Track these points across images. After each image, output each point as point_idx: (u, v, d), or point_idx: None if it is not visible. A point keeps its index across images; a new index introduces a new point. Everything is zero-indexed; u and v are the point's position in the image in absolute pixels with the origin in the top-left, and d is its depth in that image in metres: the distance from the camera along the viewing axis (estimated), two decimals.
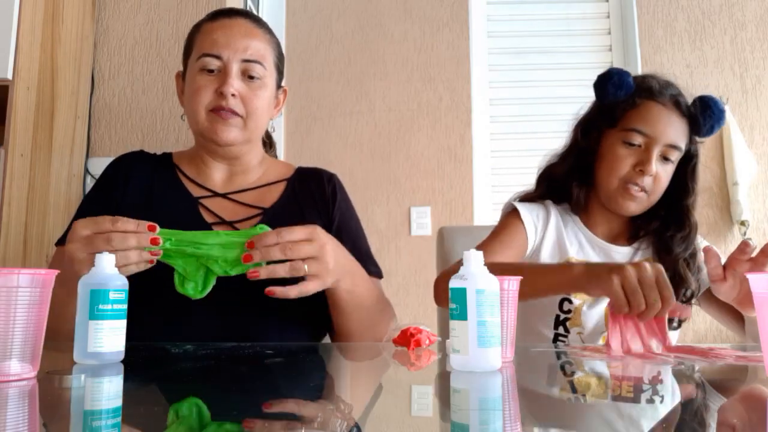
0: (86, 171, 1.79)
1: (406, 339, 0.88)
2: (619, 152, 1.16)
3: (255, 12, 2.37)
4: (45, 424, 0.47)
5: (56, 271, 0.63)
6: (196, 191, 1.13)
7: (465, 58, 2.54)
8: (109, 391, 0.61)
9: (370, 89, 2.53)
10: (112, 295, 0.71)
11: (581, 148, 1.23)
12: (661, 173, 1.15)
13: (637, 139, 1.15)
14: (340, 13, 2.58)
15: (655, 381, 0.69)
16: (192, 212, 1.10)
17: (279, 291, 0.88)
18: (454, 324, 0.68)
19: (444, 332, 1.15)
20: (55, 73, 1.66)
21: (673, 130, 1.15)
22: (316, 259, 0.88)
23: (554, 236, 1.22)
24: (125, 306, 0.74)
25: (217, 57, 1.07)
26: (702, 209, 2.40)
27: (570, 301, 1.17)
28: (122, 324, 0.73)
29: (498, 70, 2.60)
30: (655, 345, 0.86)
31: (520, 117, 2.50)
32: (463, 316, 0.67)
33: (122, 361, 0.72)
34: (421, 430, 0.49)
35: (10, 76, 1.47)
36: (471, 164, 2.48)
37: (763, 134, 2.42)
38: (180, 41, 1.87)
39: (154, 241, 0.84)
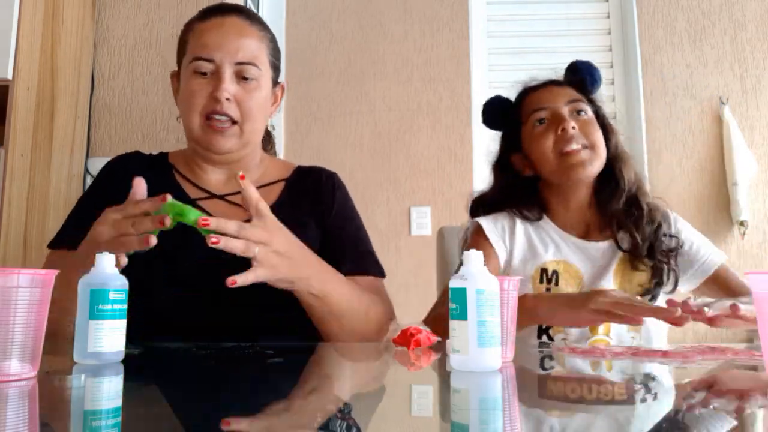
0: (86, 171, 1.79)
1: (406, 339, 0.88)
2: (537, 134, 1.20)
3: (255, 11, 2.37)
4: (45, 424, 0.47)
5: (56, 271, 0.63)
6: (192, 192, 1.11)
7: (465, 58, 2.54)
8: (109, 391, 0.60)
9: (370, 89, 2.53)
10: (112, 295, 0.71)
11: (508, 183, 1.28)
12: (582, 126, 1.18)
13: (543, 114, 1.20)
14: (340, 13, 2.58)
15: (649, 380, 0.69)
16: None
17: (239, 279, 0.86)
18: (454, 324, 0.68)
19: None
20: (55, 73, 1.66)
21: (563, 92, 1.22)
22: (265, 245, 0.87)
23: (524, 242, 1.22)
24: (125, 306, 0.74)
25: (209, 60, 1.04)
26: (701, 209, 2.40)
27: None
28: (122, 324, 0.73)
29: (498, 70, 2.60)
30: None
31: None
32: (463, 316, 0.67)
33: (122, 361, 0.72)
34: (421, 430, 0.49)
35: (10, 76, 1.47)
36: (471, 164, 2.48)
37: (763, 134, 2.42)
38: None
39: (162, 224, 0.84)
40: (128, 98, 1.83)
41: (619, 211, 1.20)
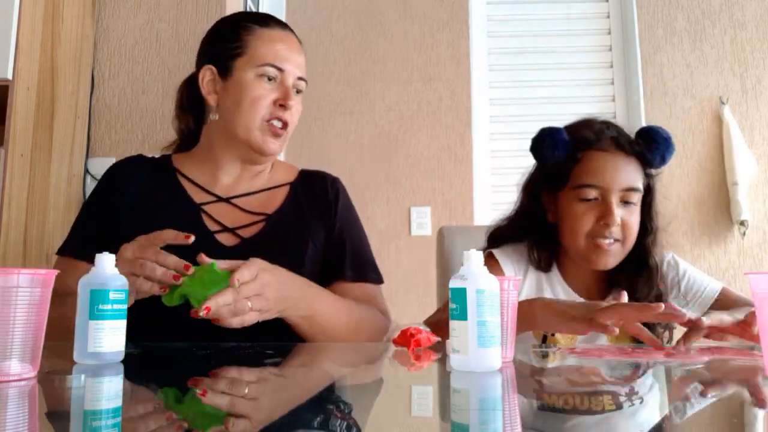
0: (86, 171, 1.79)
1: (406, 339, 0.88)
2: (578, 210, 1.12)
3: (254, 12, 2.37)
4: (45, 424, 0.47)
5: (56, 271, 0.63)
6: (198, 196, 1.12)
7: (465, 58, 2.54)
8: (109, 391, 0.61)
9: (370, 89, 2.53)
10: (112, 295, 0.71)
11: (529, 210, 1.20)
12: (626, 218, 1.11)
13: (592, 194, 1.11)
14: (340, 13, 2.58)
15: (649, 379, 0.69)
16: (194, 219, 1.09)
17: (235, 321, 0.87)
18: (454, 324, 0.68)
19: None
20: (55, 73, 1.66)
21: (624, 174, 1.11)
22: (258, 296, 0.89)
23: (534, 280, 1.19)
24: (125, 306, 0.74)
25: (280, 69, 1.10)
26: (701, 209, 2.40)
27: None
28: (122, 324, 0.73)
29: (498, 70, 2.60)
30: None
31: (520, 117, 2.50)
32: (463, 316, 0.67)
33: (122, 361, 0.72)
34: (421, 430, 0.49)
35: (10, 76, 1.47)
36: (471, 164, 2.48)
37: (763, 134, 2.42)
38: (180, 41, 1.87)
39: (175, 278, 0.86)
40: (128, 98, 1.82)
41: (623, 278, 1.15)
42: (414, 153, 2.49)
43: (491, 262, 1.17)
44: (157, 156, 1.21)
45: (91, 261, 1.05)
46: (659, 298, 1.14)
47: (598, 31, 2.63)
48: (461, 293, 0.67)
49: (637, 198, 1.12)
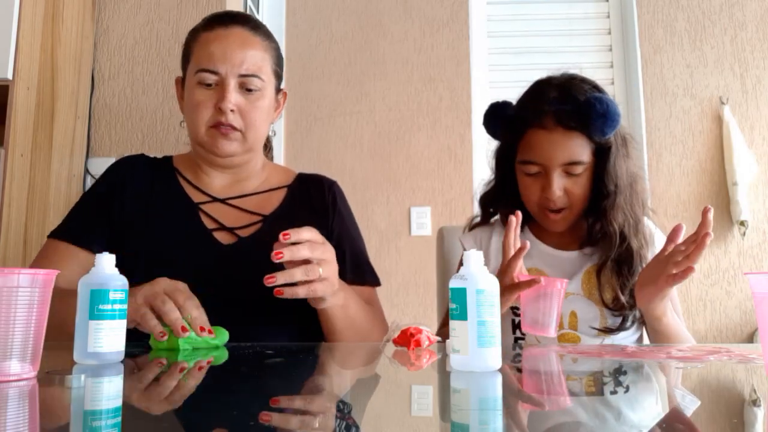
0: (86, 171, 1.79)
1: (406, 339, 0.88)
2: (525, 182, 1.18)
3: (255, 13, 2.37)
4: (45, 424, 0.47)
5: (56, 272, 0.63)
6: (196, 196, 1.13)
7: (465, 58, 2.54)
8: (109, 391, 0.61)
9: (370, 89, 2.53)
10: (112, 295, 0.71)
11: (499, 178, 1.26)
12: (571, 188, 1.14)
13: (533, 169, 1.14)
14: (340, 13, 2.58)
15: (649, 379, 0.69)
16: (192, 218, 1.10)
17: (288, 291, 0.87)
18: (454, 324, 0.68)
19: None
20: (55, 73, 1.66)
21: (563, 149, 1.11)
22: (327, 262, 0.88)
23: (497, 253, 1.22)
24: (125, 306, 0.74)
25: (214, 72, 1.06)
26: (700, 209, 2.39)
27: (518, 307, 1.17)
28: (122, 324, 0.73)
29: (498, 70, 2.60)
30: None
31: None
32: (463, 316, 0.67)
33: (122, 361, 0.72)
34: (421, 430, 0.49)
35: (10, 76, 1.47)
36: (471, 164, 2.48)
37: (763, 134, 2.42)
38: (180, 41, 1.86)
39: (183, 329, 0.83)
40: (128, 98, 1.82)
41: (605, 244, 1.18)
42: (414, 153, 2.49)
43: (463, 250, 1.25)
44: (159, 157, 1.22)
45: (85, 247, 1.05)
46: (633, 255, 1.16)
47: (598, 31, 2.63)
48: (461, 293, 0.67)
49: (580, 169, 1.14)
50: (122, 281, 0.74)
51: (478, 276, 0.68)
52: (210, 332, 0.86)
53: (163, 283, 0.86)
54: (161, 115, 1.81)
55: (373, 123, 2.51)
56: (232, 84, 1.06)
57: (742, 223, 2.33)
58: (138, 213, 1.09)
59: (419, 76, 2.53)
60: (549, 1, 2.66)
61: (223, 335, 0.89)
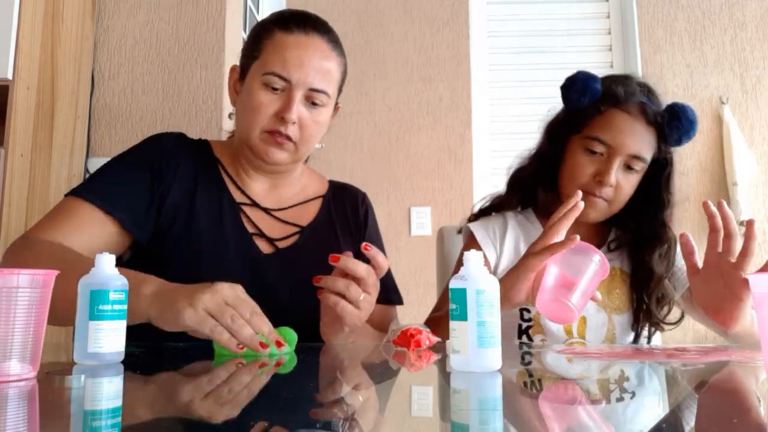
0: (86, 171, 1.79)
1: (406, 339, 0.88)
2: (580, 160, 1.13)
3: (255, 13, 2.37)
4: (45, 424, 0.47)
5: (56, 272, 0.63)
6: (238, 196, 1.09)
7: (465, 58, 2.54)
8: (109, 391, 0.60)
9: (370, 89, 2.53)
10: (112, 296, 0.71)
11: (547, 152, 1.21)
12: (623, 183, 1.12)
13: (599, 148, 1.11)
14: (340, 13, 2.58)
15: (649, 380, 0.69)
16: (234, 218, 1.06)
17: (325, 292, 0.85)
18: (454, 324, 0.68)
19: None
20: (55, 73, 1.66)
21: (637, 141, 1.10)
22: (369, 298, 0.87)
23: (511, 248, 1.21)
24: (125, 306, 0.74)
25: (285, 79, 1.01)
26: (701, 209, 2.39)
27: (528, 311, 1.16)
28: (122, 324, 0.73)
29: (498, 70, 2.60)
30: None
31: (520, 117, 2.50)
32: (463, 316, 0.67)
33: (122, 361, 0.72)
34: (421, 430, 0.49)
35: (10, 76, 1.47)
36: (471, 164, 2.48)
37: (763, 134, 2.42)
38: (180, 41, 1.87)
39: (263, 345, 0.79)
40: (128, 98, 1.83)
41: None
42: (414, 153, 2.49)
43: (471, 238, 1.22)
44: (194, 139, 1.15)
45: (114, 216, 0.97)
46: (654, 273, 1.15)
47: (598, 31, 2.63)
48: (461, 294, 0.67)
49: (640, 167, 1.12)
50: (122, 281, 0.74)
51: (478, 276, 0.68)
52: (283, 343, 0.81)
53: (223, 292, 0.78)
54: (161, 115, 1.81)
55: (373, 123, 2.51)
56: (299, 95, 1.01)
57: (741, 224, 2.33)
58: (183, 200, 1.03)
59: (419, 76, 2.54)
60: (549, 1, 2.66)
61: (292, 340, 0.84)
